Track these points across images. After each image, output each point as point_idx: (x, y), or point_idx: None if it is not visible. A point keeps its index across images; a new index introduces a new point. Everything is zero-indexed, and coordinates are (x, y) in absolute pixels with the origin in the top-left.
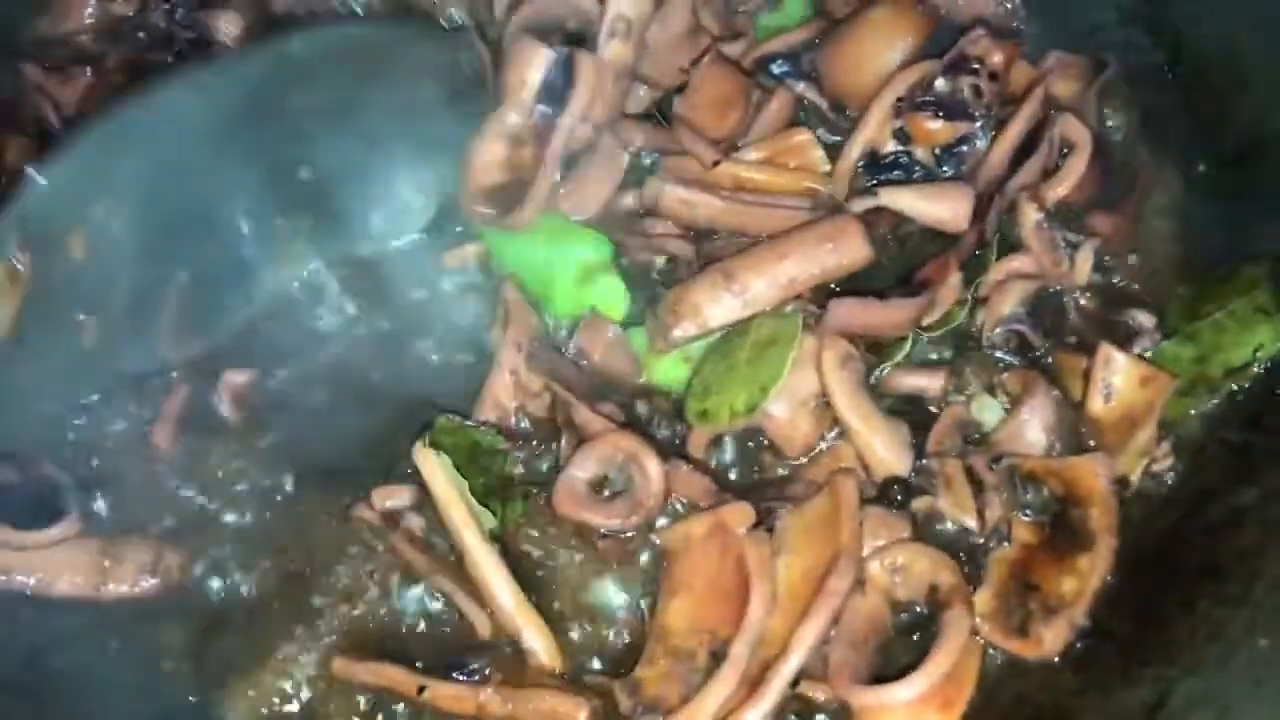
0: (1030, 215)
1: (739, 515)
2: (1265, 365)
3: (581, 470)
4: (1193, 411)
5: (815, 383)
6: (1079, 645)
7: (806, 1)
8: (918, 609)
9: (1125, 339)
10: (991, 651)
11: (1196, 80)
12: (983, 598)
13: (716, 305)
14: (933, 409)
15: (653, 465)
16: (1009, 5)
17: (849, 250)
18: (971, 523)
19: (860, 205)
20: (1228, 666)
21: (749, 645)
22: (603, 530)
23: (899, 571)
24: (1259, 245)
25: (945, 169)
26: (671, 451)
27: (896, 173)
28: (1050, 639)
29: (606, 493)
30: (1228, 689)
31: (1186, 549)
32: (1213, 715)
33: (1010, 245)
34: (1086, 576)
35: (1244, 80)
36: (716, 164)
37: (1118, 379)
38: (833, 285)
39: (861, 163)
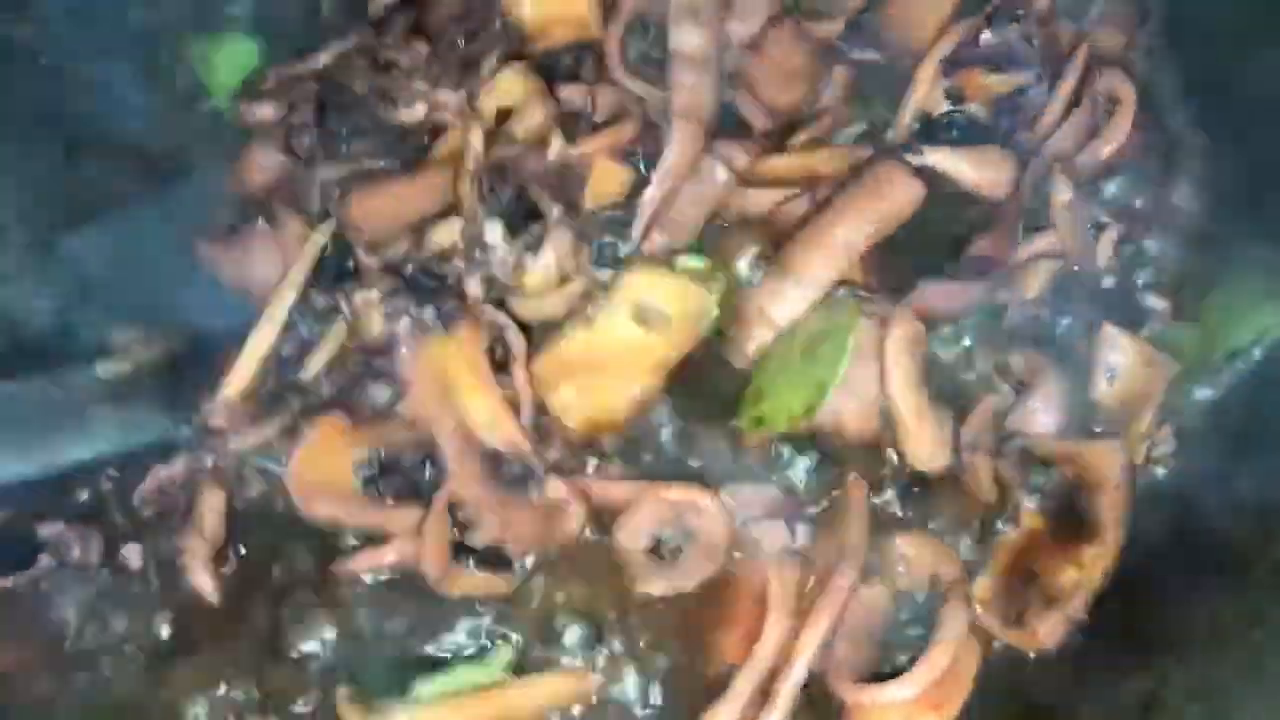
0: (1063, 193)
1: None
2: (1266, 349)
3: (633, 542)
4: (1194, 396)
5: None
6: (1075, 637)
7: None
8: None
9: (1135, 321)
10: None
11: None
12: (983, 584)
13: (781, 302)
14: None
15: (707, 502)
16: None
17: (899, 193)
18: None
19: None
20: (1224, 658)
21: (752, 682)
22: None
23: (902, 560)
24: (1272, 224)
25: (1003, 122)
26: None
27: (954, 133)
28: (1044, 633)
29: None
30: (1224, 680)
31: (1182, 538)
32: (1209, 707)
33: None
34: (1089, 569)
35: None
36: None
37: (1118, 358)
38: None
39: (915, 126)
